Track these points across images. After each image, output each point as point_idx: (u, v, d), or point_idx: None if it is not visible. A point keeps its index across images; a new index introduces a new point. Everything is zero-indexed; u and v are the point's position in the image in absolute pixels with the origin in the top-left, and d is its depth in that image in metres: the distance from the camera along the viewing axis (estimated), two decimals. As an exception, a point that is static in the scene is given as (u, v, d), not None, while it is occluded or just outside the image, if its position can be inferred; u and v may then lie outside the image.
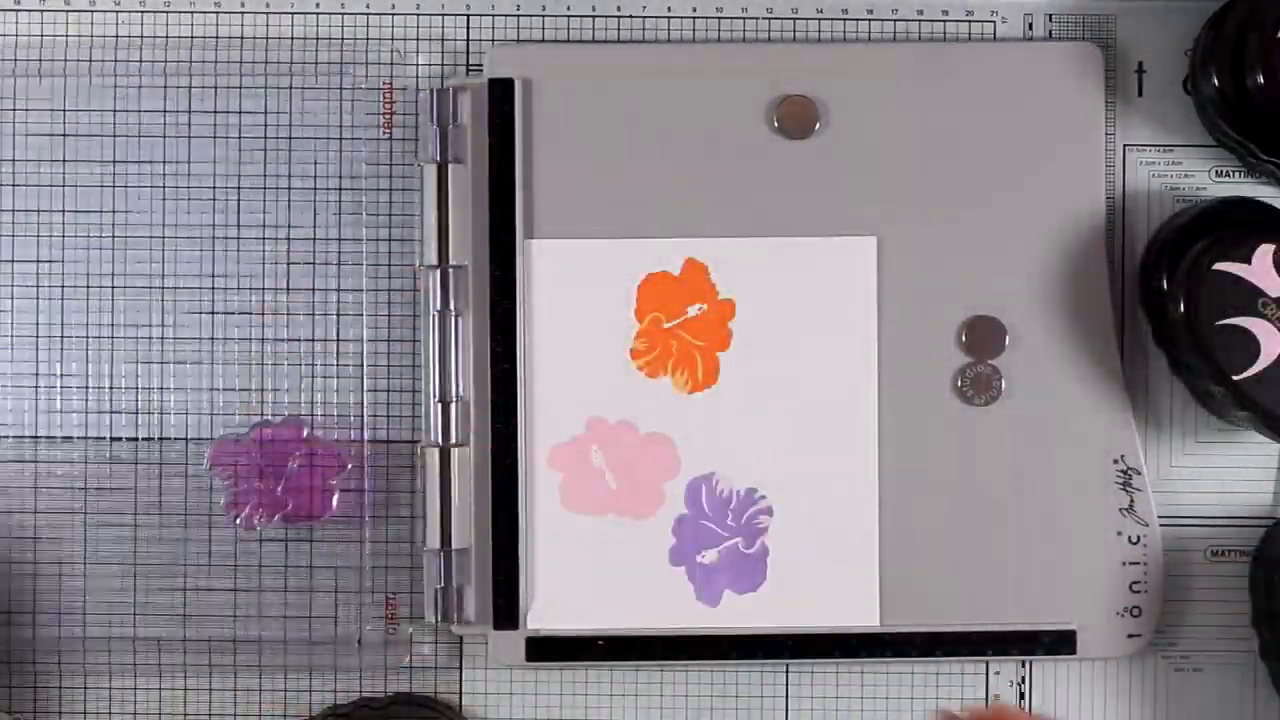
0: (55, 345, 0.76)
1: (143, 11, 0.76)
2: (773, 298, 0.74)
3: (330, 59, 0.76)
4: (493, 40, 0.76)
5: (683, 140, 0.74)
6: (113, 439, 0.76)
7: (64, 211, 0.76)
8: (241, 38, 0.76)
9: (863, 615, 0.74)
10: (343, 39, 0.76)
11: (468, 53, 0.76)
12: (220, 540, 0.76)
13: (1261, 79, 0.70)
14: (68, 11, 0.76)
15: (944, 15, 0.76)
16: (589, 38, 0.76)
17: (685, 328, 0.74)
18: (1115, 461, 0.74)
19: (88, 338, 0.76)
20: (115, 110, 0.76)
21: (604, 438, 0.74)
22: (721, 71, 0.74)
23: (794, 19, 0.76)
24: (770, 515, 0.74)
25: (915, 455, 0.74)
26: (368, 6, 0.76)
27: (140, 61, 0.76)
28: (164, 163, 0.76)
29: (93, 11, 0.76)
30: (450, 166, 0.73)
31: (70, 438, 0.76)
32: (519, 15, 0.76)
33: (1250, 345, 0.69)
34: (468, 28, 0.76)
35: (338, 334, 0.76)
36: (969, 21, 0.76)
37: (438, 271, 0.73)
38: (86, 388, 0.76)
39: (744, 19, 0.76)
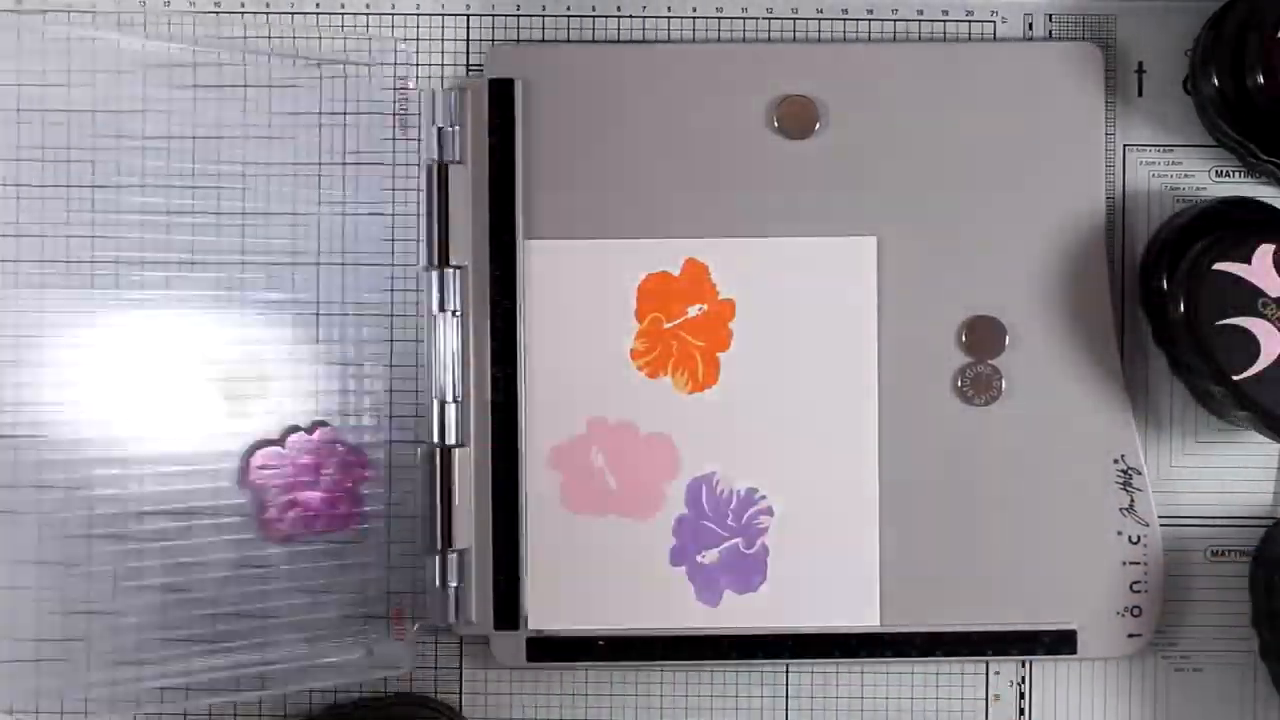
0: (62, 345, 0.76)
1: (142, 12, 0.76)
2: (773, 298, 0.74)
3: (331, 59, 0.76)
4: (493, 40, 0.76)
5: (683, 140, 0.74)
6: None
7: (65, 211, 0.76)
8: (244, 38, 0.76)
9: (863, 615, 0.74)
10: (344, 39, 0.76)
11: (468, 53, 0.76)
12: (220, 542, 0.76)
13: (1261, 79, 0.70)
14: (68, 12, 0.76)
15: (944, 15, 0.76)
16: (589, 38, 0.76)
17: (685, 328, 0.74)
18: (1115, 461, 0.74)
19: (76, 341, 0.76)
20: (117, 112, 0.76)
21: (604, 438, 0.74)
22: (721, 72, 0.74)
23: (794, 19, 0.76)
24: (770, 515, 0.74)
25: (915, 455, 0.74)
26: (367, 7, 0.76)
27: (139, 62, 0.76)
28: (164, 163, 0.76)
29: (93, 12, 0.76)
30: (449, 167, 0.73)
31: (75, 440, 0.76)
32: (519, 15, 0.76)
33: (1250, 345, 0.69)
34: (468, 28, 0.76)
35: (341, 336, 0.76)
36: (969, 21, 0.76)
37: (437, 271, 0.73)
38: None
39: (744, 19, 0.76)
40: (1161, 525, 0.74)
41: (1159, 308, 0.73)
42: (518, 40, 0.76)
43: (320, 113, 0.76)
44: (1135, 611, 0.74)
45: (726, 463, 0.74)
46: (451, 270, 0.73)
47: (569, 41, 0.76)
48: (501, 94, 0.74)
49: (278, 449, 0.75)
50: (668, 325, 0.74)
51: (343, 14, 0.76)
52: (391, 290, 0.76)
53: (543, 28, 0.76)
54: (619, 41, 0.76)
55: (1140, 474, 0.74)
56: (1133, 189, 0.76)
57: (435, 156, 0.74)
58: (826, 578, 0.74)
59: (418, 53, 0.76)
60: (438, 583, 0.74)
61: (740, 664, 0.75)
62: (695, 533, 0.74)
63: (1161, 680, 0.76)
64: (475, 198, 0.74)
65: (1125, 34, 0.76)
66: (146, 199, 0.76)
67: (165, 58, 0.76)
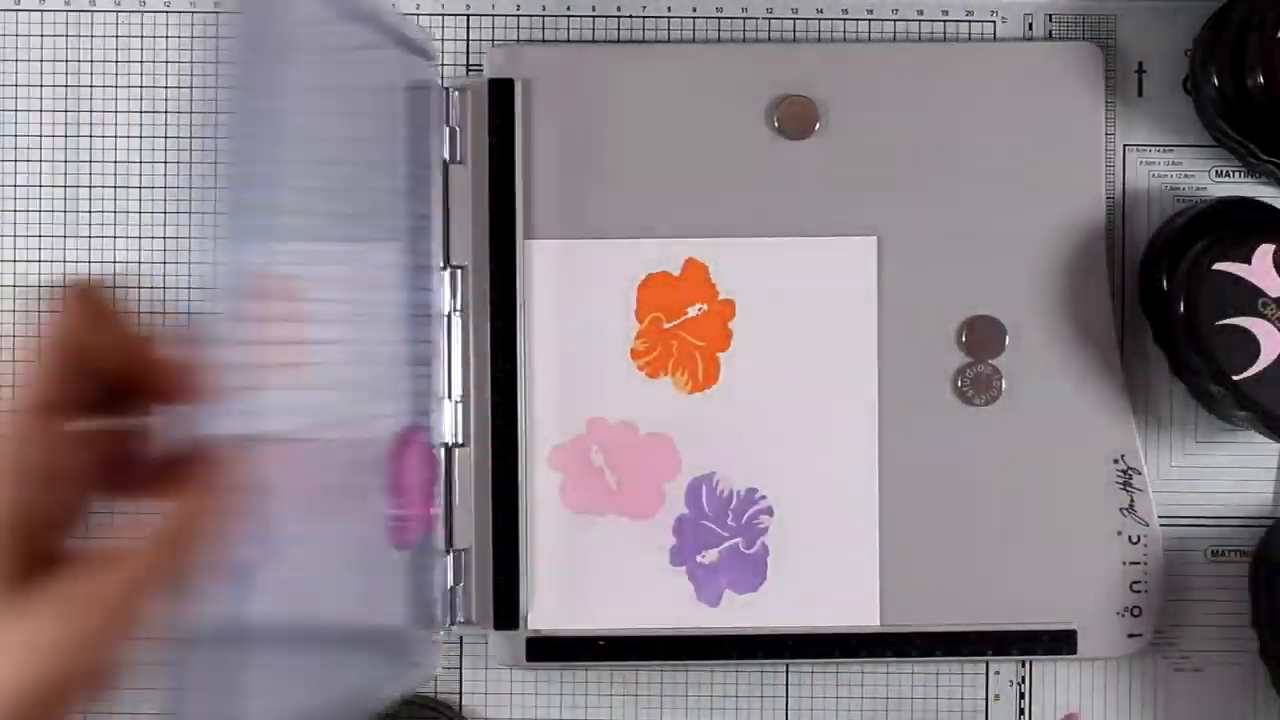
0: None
1: (142, 12, 0.76)
2: (773, 298, 0.74)
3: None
4: (493, 40, 0.76)
5: (683, 140, 0.74)
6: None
7: (65, 212, 0.76)
8: (241, 38, 0.76)
9: (863, 615, 0.74)
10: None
11: (468, 53, 0.76)
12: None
13: (1261, 79, 0.70)
14: (68, 11, 0.76)
15: (944, 15, 0.76)
16: (589, 38, 0.76)
17: (685, 328, 0.74)
18: (1115, 461, 0.74)
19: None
20: (116, 112, 0.76)
21: (604, 438, 0.74)
22: (721, 72, 0.74)
23: (794, 19, 0.76)
24: (770, 515, 0.74)
25: (915, 455, 0.74)
26: (368, 6, 0.76)
27: (140, 63, 0.76)
28: (165, 163, 0.76)
29: (93, 12, 0.76)
30: (451, 167, 0.73)
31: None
32: (519, 15, 0.76)
33: (1250, 345, 0.69)
34: (468, 28, 0.76)
35: (339, 335, 0.76)
36: (969, 21, 0.76)
37: (441, 272, 0.73)
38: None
39: (744, 19, 0.76)
40: (1161, 525, 0.74)
41: (1159, 308, 0.73)
42: (518, 40, 0.76)
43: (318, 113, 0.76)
44: (1135, 611, 0.74)
45: (726, 463, 0.74)
46: (452, 270, 0.73)
47: (568, 41, 0.76)
48: (501, 94, 0.74)
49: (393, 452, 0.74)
50: (668, 325, 0.74)
51: (343, 14, 0.76)
52: (389, 290, 0.76)
53: (543, 28, 0.76)
54: (619, 41, 0.76)
55: (1140, 474, 0.74)
56: (1133, 189, 0.76)
57: (435, 157, 0.73)
58: (826, 578, 0.74)
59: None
60: (439, 583, 0.74)
61: (740, 664, 0.75)
62: (695, 533, 0.74)
63: (1161, 680, 0.76)
64: (475, 198, 0.74)
65: (1125, 34, 0.76)
66: (132, 193, 0.76)
67: (164, 58, 0.76)
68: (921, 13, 0.76)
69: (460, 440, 0.74)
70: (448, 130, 0.74)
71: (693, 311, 0.74)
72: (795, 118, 0.74)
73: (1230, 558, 0.76)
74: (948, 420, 0.74)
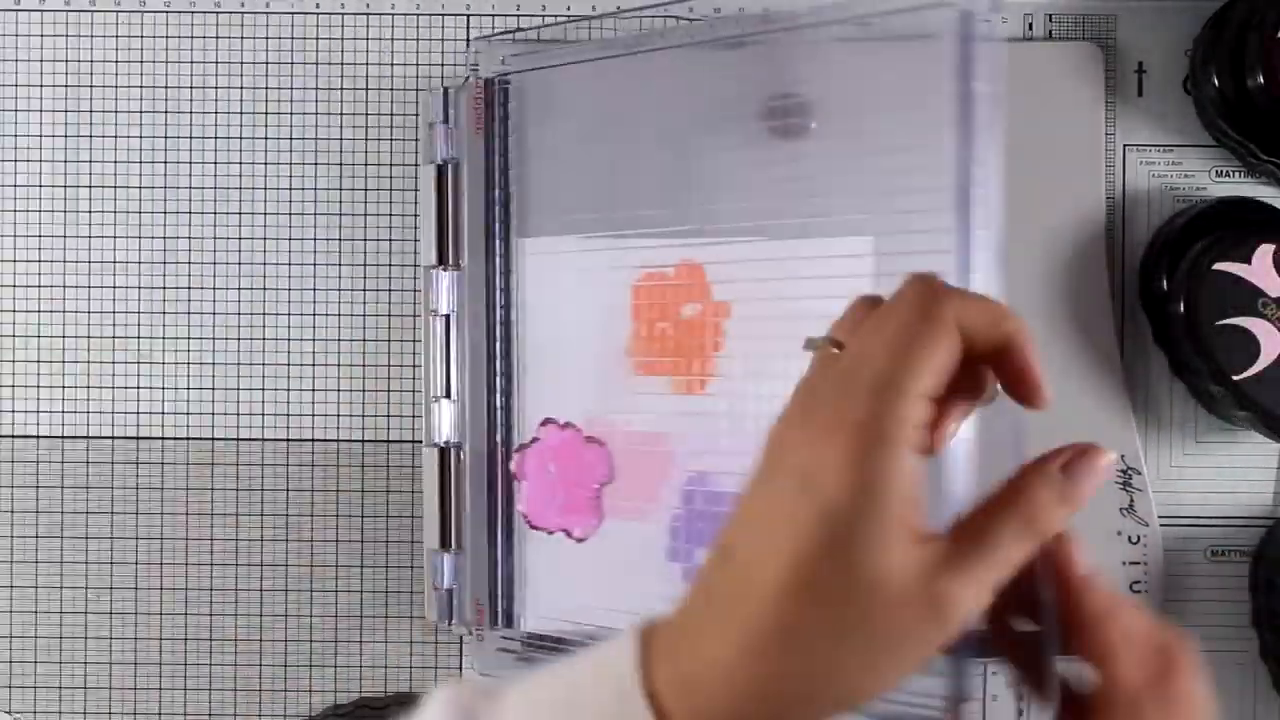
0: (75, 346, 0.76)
1: (142, 12, 0.76)
2: (768, 298, 0.74)
3: (330, 59, 0.76)
4: (488, 39, 0.76)
5: (679, 140, 0.74)
6: (91, 438, 0.76)
7: (65, 212, 0.76)
8: (241, 39, 0.76)
9: (859, 615, 0.74)
10: (343, 39, 0.76)
11: (468, 53, 0.76)
12: (221, 541, 0.76)
13: (1261, 79, 0.70)
14: (68, 11, 0.76)
15: (944, 15, 0.76)
16: (587, 38, 0.76)
17: (681, 328, 0.74)
18: (1115, 461, 0.74)
19: (87, 337, 0.76)
20: (116, 112, 0.76)
21: (600, 437, 0.74)
22: (717, 71, 0.74)
23: (791, 19, 0.76)
24: (766, 515, 0.74)
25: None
26: (368, 6, 0.76)
27: (140, 63, 0.76)
28: (165, 163, 0.76)
29: (93, 11, 0.76)
30: (449, 166, 0.73)
31: (72, 436, 0.76)
32: (519, 15, 0.76)
33: (1250, 345, 0.69)
34: (468, 28, 0.76)
35: (336, 335, 0.76)
36: (969, 21, 0.76)
37: (437, 271, 0.73)
38: (96, 386, 0.76)
39: (742, 19, 0.76)
40: (1161, 525, 0.74)
41: (1159, 308, 0.72)
42: (514, 40, 0.76)
43: (318, 114, 0.76)
44: (1135, 612, 0.74)
45: (722, 463, 0.74)
46: (451, 270, 0.73)
47: (565, 41, 0.76)
48: (498, 94, 0.74)
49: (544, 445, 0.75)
50: (663, 325, 0.74)
51: (343, 14, 0.76)
52: (377, 289, 0.76)
53: (542, 27, 0.76)
54: (614, 40, 0.76)
55: (1140, 474, 0.74)
56: (1133, 189, 0.75)
57: (434, 156, 0.73)
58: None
59: (418, 53, 0.76)
60: (438, 583, 0.74)
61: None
62: (691, 532, 0.74)
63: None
64: (471, 197, 0.74)
65: (1125, 34, 0.76)
66: (130, 193, 0.76)
67: (164, 58, 0.76)
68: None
69: (457, 440, 0.74)
70: (443, 129, 0.74)
71: (688, 311, 0.74)
72: (789, 116, 0.74)
73: (1230, 558, 0.75)
74: (945, 420, 0.74)
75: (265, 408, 0.76)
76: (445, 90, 0.74)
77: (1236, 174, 0.75)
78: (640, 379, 0.74)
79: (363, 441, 0.76)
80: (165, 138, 0.76)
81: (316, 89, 0.76)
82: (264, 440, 0.76)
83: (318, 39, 0.76)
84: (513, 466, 0.74)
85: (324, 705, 0.76)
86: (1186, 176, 0.76)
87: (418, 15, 0.76)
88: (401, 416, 0.76)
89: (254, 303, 0.76)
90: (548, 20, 0.76)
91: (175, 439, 0.76)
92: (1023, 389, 0.52)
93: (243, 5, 0.76)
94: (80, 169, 0.76)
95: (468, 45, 0.76)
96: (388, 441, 0.76)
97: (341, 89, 0.76)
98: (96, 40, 0.76)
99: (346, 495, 0.76)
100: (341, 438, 0.76)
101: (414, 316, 0.76)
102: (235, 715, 0.76)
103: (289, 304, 0.76)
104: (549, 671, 0.47)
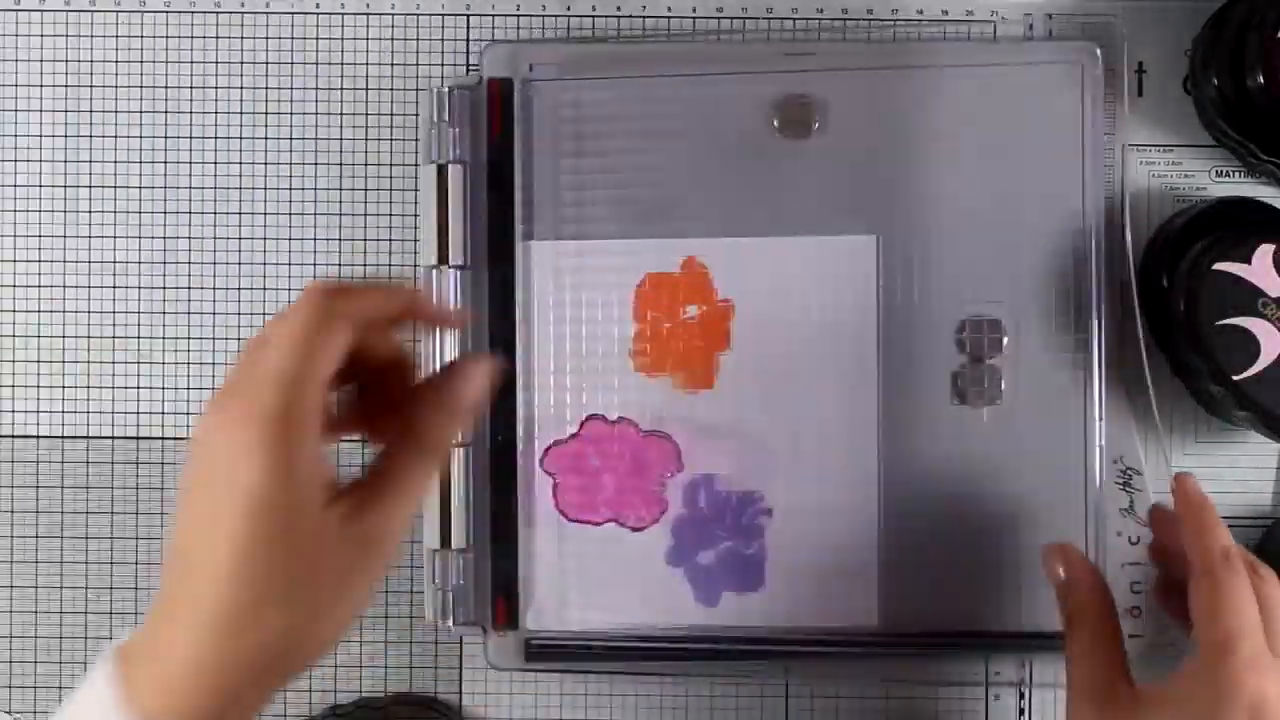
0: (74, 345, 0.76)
1: (142, 12, 0.76)
2: (772, 298, 0.74)
3: (330, 59, 0.76)
4: (492, 40, 0.76)
5: (682, 140, 0.74)
6: (91, 438, 0.76)
7: (65, 212, 0.76)
8: (241, 38, 0.76)
9: (862, 616, 0.74)
10: (343, 39, 0.76)
11: (467, 53, 0.76)
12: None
13: (1261, 79, 0.70)
14: (68, 11, 0.76)
15: (944, 15, 0.76)
16: (588, 38, 0.76)
17: (684, 328, 0.74)
18: (1115, 461, 0.74)
19: (88, 337, 0.76)
20: (116, 112, 0.76)
21: (603, 438, 0.74)
22: (721, 71, 0.74)
23: (794, 19, 0.76)
24: (769, 516, 0.74)
25: (915, 456, 0.74)
26: (368, 6, 0.76)
27: (140, 63, 0.76)
28: (164, 163, 0.76)
29: (93, 11, 0.76)
30: (449, 167, 0.73)
31: (74, 436, 0.76)
32: (519, 15, 0.76)
33: (1250, 345, 0.69)
34: (468, 28, 0.76)
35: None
36: (969, 21, 0.76)
37: (437, 271, 0.73)
38: (105, 387, 0.76)
39: (744, 19, 0.76)
40: (1161, 525, 0.74)
41: (1159, 308, 0.72)
42: (516, 40, 0.76)
43: (318, 114, 0.76)
44: (1135, 612, 0.74)
45: (725, 463, 0.74)
46: (450, 270, 0.73)
47: (568, 41, 0.76)
48: (500, 94, 0.74)
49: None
50: (667, 325, 0.74)
51: (343, 14, 0.76)
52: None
53: (542, 28, 0.76)
54: (618, 41, 0.76)
55: (1140, 474, 0.74)
56: (1133, 189, 0.75)
57: (435, 157, 0.73)
58: (825, 579, 0.74)
59: (418, 53, 0.76)
60: (438, 583, 0.74)
61: (740, 665, 0.75)
62: (694, 533, 0.74)
63: (1162, 680, 0.76)
64: (474, 197, 0.74)
65: (1125, 34, 0.76)
66: (129, 192, 0.76)
67: (164, 58, 0.76)
68: (921, 13, 0.76)
69: (459, 440, 0.73)
70: (447, 130, 0.73)
71: (692, 311, 0.74)
72: (795, 117, 0.74)
73: (1230, 558, 0.75)
74: (947, 421, 0.74)
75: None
76: (448, 90, 0.74)
77: (1236, 174, 0.76)
78: (643, 379, 0.74)
79: (363, 441, 0.76)
80: (165, 138, 0.76)
81: (316, 89, 0.76)
82: (264, 440, 0.76)
83: (318, 39, 0.76)
84: (541, 464, 0.74)
85: (324, 705, 0.76)
86: (1186, 176, 0.76)
87: (418, 15, 0.76)
88: (401, 416, 0.76)
89: (254, 303, 0.76)
90: (548, 20, 0.76)
91: (175, 439, 0.76)
92: (436, 323, 0.68)
93: (243, 5, 0.76)
94: (80, 169, 0.76)
95: (468, 45, 0.76)
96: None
97: (341, 89, 0.76)
98: (96, 40, 0.76)
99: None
100: (341, 437, 0.76)
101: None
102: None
103: (288, 304, 0.76)
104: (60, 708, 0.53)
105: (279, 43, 0.76)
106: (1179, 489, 0.66)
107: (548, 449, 0.74)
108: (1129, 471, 0.74)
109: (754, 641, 0.74)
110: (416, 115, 0.76)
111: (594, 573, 0.74)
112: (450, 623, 0.74)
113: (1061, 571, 0.68)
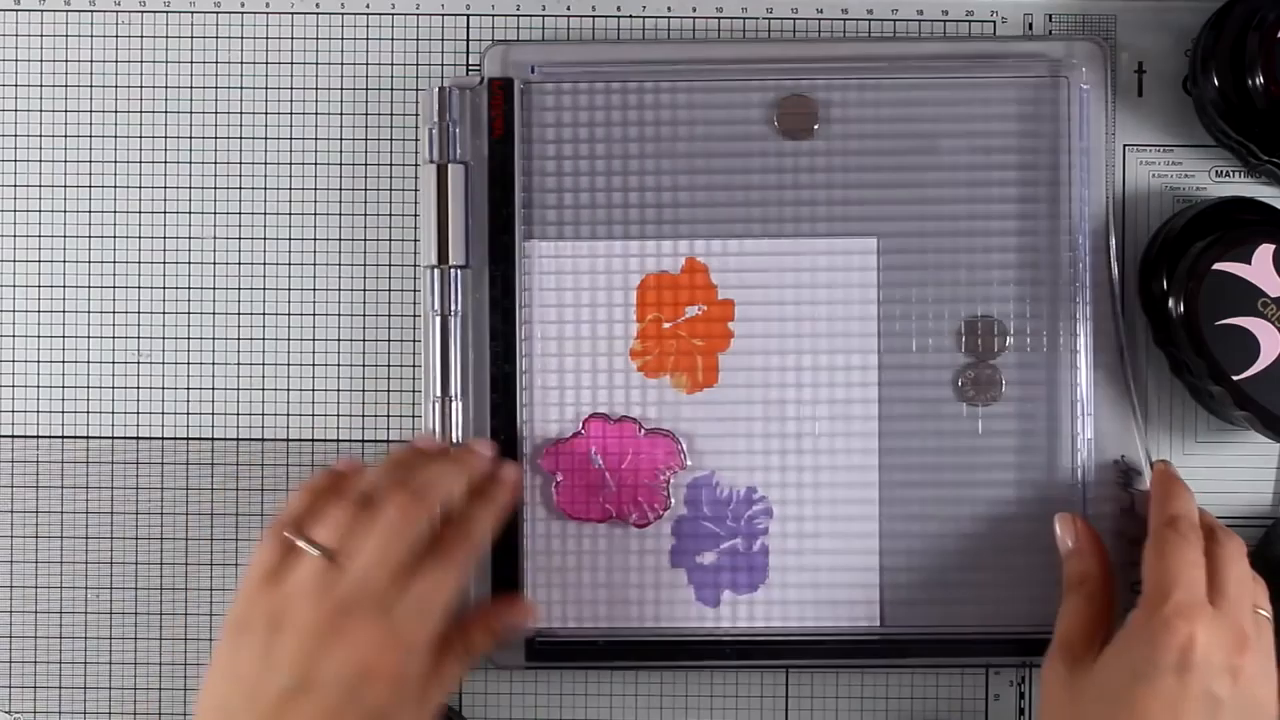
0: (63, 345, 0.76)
1: (142, 12, 0.76)
2: (772, 298, 0.74)
3: (330, 59, 0.76)
4: (493, 40, 0.76)
5: (683, 141, 0.74)
6: (88, 438, 0.76)
7: (65, 212, 0.76)
8: (241, 39, 0.76)
9: (863, 617, 0.74)
10: (343, 39, 0.76)
11: (467, 53, 0.76)
12: (221, 541, 0.76)
13: (1261, 79, 0.70)
14: (68, 11, 0.76)
15: (944, 15, 0.76)
16: (589, 38, 0.76)
17: (685, 328, 0.74)
18: (1115, 461, 0.74)
19: (84, 336, 0.76)
20: (116, 112, 0.76)
21: (603, 438, 0.74)
22: (721, 71, 0.74)
23: (794, 19, 0.76)
24: (770, 516, 0.74)
25: (916, 456, 0.74)
26: (368, 6, 0.76)
27: (140, 63, 0.76)
28: (164, 163, 0.76)
29: (93, 11, 0.76)
30: (449, 167, 0.73)
31: (78, 437, 0.76)
32: (519, 15, 0.76)
33: (1250, 345, 0.69)
34: (468, 28, 0.76)
35: (336, 335, 0.76)
36: (969, 21, 0.76)
37: (437, 271, 0.73)
38: (98, 386, 0.76)
39: (744, 19, 0.76)
40: (1162, 525, 0.74)
41: (1159, 308, 0.72)
42: (517, 40, 0.76)
43: (318, 114, 0.76)
44: (1135, 611, 0.74)
45: (726, 463, 0.74)
46: (451, 270, 0.73)
47: (567, 41, 0.76)
48: (500, 94, 0.74)
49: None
50: (667, 325, 0.74)
51: (343, 14, 0.76)
52: (377, 289, 0.76)
53: (543, 28, 0.76)
54: (617, 41, 0.76)
55: (1140, 474, 0.74)
56: (1133, 189, 0.76)
57: (434, 156, 0.73)
58: (827, 579, 0.74)
59: (418, 52, 0.76)
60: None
61: (740, 665, 0.75)
62: (695, 533, 0.74)
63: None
64: (474, 197, 0.74)
65: (1125, 34, 0.76)
66: (129, 193, 0.76)
67: (164, 58, 0.76)
68: (921, 12, 0.76)
69: (459, 440, 0.73)
70: (448, 129, 0.73)
71: (692, 311, 0.74)
72: (795, 117, 0.74)
73: (1230, 558, 0.75)
74: (948, 420, 0.74)
75: (265, 408, 0.76)
76: (446, 90, 0.73)
77: (1236, 174, 0.76)
78: (644, 379, 0.74)
79: (363, 441, 0.76)
80: (165, 138, 0.76)
81: (316, 89, 0.76)
82: (264, 440, 0.76)
83: (318, 39, 0.76)
84: (541, 462, 0.74)
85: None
86: (1186, 176, 0.76)
87: (418, 15, 0.76)
88: (401, 416, 0.76)
89: (254, 303, 0.76)
90: (549, 21, 0.76)
91: (175, 439, 0.76)
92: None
93: (243, 5, 0.76)
94: (80, 169, 0.76)
95: (468, 45, 0.76)
96: (388, 441, 0.76)
97: (341, 89, 0.76)
98: (96, 40, 0.76)
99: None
100: (341, 438, 0.76)
101: (414, 316, 0.76)
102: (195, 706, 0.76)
103: (289, 304, 0.76)
104: None
105: (279, 43, 0.76)
106: (1154, 469, 0.71)
107: (549, 448, 0.74)
108: (1129, 472, 0.74)
109: (754, 643, 0.74)
110: (416, 115, 0.75)
111: (594, 572, 0.74)
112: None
113: (1070, 541, 0.71)
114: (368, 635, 0.63)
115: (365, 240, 0.76)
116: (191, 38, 0.76)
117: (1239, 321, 0.69)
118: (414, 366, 0.76)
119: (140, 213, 0.76)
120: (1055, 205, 0.74)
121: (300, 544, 0.65)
